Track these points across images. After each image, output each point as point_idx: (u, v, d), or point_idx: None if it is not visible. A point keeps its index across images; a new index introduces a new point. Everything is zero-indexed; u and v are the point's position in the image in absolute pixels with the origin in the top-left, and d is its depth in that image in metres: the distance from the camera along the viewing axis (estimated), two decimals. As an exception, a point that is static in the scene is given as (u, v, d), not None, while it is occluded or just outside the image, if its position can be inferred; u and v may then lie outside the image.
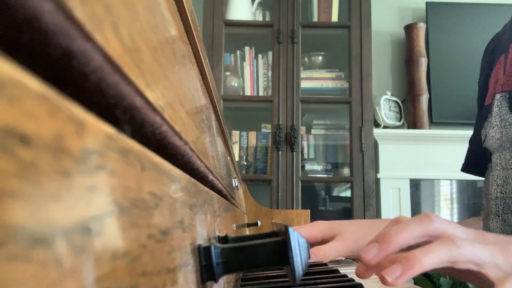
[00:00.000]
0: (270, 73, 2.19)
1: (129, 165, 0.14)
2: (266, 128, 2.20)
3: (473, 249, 0.39)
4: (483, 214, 0.76)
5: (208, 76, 0.41)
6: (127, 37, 0.14)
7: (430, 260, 0.37)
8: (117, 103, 0.14)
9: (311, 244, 0.75)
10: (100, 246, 0.11)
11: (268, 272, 0.56)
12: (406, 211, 2.17)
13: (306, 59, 2.31)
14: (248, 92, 2.22)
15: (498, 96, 0.72)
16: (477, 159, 0.84)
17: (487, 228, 0.73)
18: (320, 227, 0.75)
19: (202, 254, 0.24)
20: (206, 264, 0.24)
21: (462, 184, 2.34)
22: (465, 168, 0.89)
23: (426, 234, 0.41)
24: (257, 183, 2.19)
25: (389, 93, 2.38)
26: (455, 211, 2.36)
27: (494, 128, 0.71)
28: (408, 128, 2.32)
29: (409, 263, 0.36)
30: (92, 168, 0.11)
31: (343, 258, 0.85)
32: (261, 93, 2.22)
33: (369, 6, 2.19)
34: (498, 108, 0.71)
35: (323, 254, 0.69)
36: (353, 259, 0.82)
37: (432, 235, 0.41)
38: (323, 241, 0.74)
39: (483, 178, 0.80)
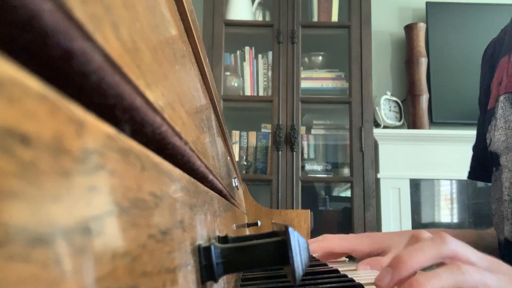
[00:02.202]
0: (270, 73, 2.19)
1: (129, 165, 0.14)
2: (266, 128, 2.20)
3: (480, 276, 0.38)
4: (496, 219, 0.75)
5: (208, 76, 0.41)
6: (127, 37, 0.14)
7: (433, 284, 0.37)
8: (117, 103, 0.14)
9: (359, 257, 0.75)
10: (100, 246, 0.11)
11: (268, 272, 0.56)
12: (406, 211, 2.17)
13: (306, 59, 2.31)
14: (248, 92, 2.22)
15: (501, 98, 0.72)
16: (482, 165, 0.84)
17: (501, 233, 0.72)
18: (369, 241, 0.75)
19: (202, 254, 0.24)
20: (206, 264, 0.24)
21: (462, 184, 2.34)
22: (471, 176, 0.89)
23: (438, 256, 0.41)
24: (257, 183, 2.19)
25: (389, 93, 2.38)
26: (455, 211, 2.36)
27: (500, 131, 0.71)
28: (408, 128, 2.32)
29: None
30: (92, 168, 0.11)
31: (346, 260, 0.85)
32: (261, 93, 2.22)
33: (369, 6, 2.19)
34: (502, 110, 0.71)
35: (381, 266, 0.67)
36: (350, 257, 0.83)
37: (445, 257, 0.41)
38: (369, 255, 0.73)
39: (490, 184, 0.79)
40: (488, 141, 0.76)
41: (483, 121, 0.82)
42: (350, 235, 0.78)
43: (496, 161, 0.73)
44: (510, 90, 0.70)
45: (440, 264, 0.41)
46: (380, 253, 0.73)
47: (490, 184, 0.78)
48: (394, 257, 0.41)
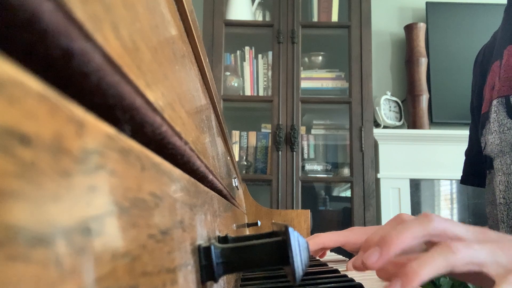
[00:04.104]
0: (270, 73, 2.19)
1: (129, 165, 0.14)
2: (266, 128, 2.20)
3: (471, 251, 0.39)
4: (490, 222, 0.76)
5: (208, 76, 0.41)
6: (127, 37, 0.14)
7: (428, 271, 0.37)
8: (117, 103, 0.14)
9: (353, 251, 0.76)
10: (100, 246, 0.11)
11: (268, 272, 0.56)
12: (406, 211, 2.17)
13: (306, 59, 2.31)
14: (248, 92, 2.22)
15: (494, 102, 0.72)
16: (476, 170, 0.84)
17: None
18: (360, 233, 0.76)
19: (202, 254, 0.24)
20: (206, 264, 0.24)
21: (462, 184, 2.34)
22: (465, 181, 0.89)
23: (426, 234, 0.41)
24: (257, 183, 2.19)
25: (389, 93, 2.38)
26: (455, 211, 2.36)
27: (493, 134, 0.71)
28: (408, 128, 2.32)
29: (407, 278, 0.37)
30: (92, 168, 0.11)
31: (346, 259, 0.85)
32: (261, 93, 2.22)
33: (369, 6, 2.19)
34: (496, 114, 0.71)
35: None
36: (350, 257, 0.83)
37: (433, 235, 0.41)
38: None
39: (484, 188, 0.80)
40: (482, 144, 0.77)
41: (476, 125, 0.83)
42: (342, 230, 0.79)
43: (490, 165, 0.73)
44: (503, 94, 0.70)
45: (428, 244, 0.41)
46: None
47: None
48: (381, 236, 0.41)
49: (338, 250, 0.90)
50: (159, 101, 0.18)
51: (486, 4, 2.44)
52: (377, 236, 0.43)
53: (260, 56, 2.25)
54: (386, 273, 0.42)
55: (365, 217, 2.01)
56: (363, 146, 2.06)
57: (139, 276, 0.14)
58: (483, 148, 0.77)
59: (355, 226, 0.81)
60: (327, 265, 0.65)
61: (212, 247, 0.25)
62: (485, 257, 0.39)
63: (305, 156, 2.20)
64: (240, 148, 2.18)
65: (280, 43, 2.14)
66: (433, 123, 2.34)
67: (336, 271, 0.56)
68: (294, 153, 2.06)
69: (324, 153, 2.26)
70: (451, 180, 2.31)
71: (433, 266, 0.37)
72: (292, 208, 2.01)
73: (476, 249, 0.39)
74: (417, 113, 2.29)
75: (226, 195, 0.54)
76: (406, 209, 2.17)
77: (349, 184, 2.12)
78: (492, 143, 0.71)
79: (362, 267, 0.42)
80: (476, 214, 2.32)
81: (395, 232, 0.41)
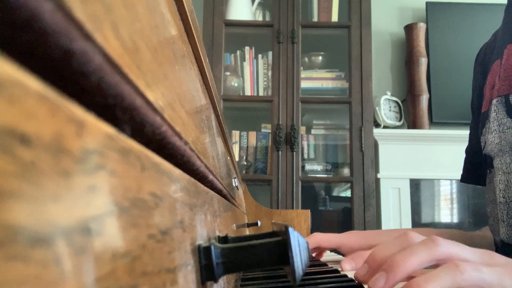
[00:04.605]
0: (270, 73, 2.19)
1: (129, 165, 0.14)
2: (266, 128, 2.20)
3: (478, 273, 0.38)
4: (491, 221, 0.76)
5: (208, 76, 0.41)
6: (127, 37, 0.14)
7: (433, 287, 0.37)
8: (117, 103, 0.14)
9: (345, 253, 0.76)
10: (100, 246, 0.11)
11: (268, 272, 0.56)
12: (406, 211, 2.17)
13: (306, 59, 2.31)
14: (248, 92, 2.22)
15: (494, 101, 0.72)
16: (476, 169, 0.84)
17: (497, 235, 0.73)
18: (356, 237, 0.76)
19: (202, 254, 0.24)
20: (206, 264, 0.24)
21: (462, 184, 2.33)
22: (465, 179, 0.89)
23: (433, 259, 0.41)
24: (257, 183, 2.19)
25: (389, 93, 2.38)
26: (455, 211, 2.36)
27: (493, 133, 0.71)
28: (408, 128, 2.32)
29: None
30: (92, 168, 0.11)
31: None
32: (261, 93, 2.22)
33: (369, 6, 2.19)
34: (496, 113, 0.71)
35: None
36: None
37: (439, 259, 0.41)
38: (356, 251, 0.73)
39: (482, 186, 0.80)
40: (482, 143, 0.77)
41: (476, 124, 0.83)
42: (340, 233, 0.80)
43: (490, 164, 0.73)
44: (503, 93, 0.70)
45: (435, 265, 0.41)
46: (368, 249, 0.73)
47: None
48: (387, 260, 0.41)
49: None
50: (159, 101, 0.18)
51: (486, 4, 2.44)
52: (382, 252, 0.43)
53: (260, 56, 2.25)
54: None
55: (365, 217, 2.01)
56: (363, 146, 2.06)
57: (139, 276, 0.14)
58: (482, 147, 0.77)
59: (354, 230, 0.82)
60: (327, 265, 0.65)
61: (212, 247, 0.25)
62: (491, 280, 0.39)
63: (305, 156, 2.20)
64: (240, 148, 2.18)
65: (280, 43, 2.14)
66: (433, 123, 2.34)
67: (336, 271, 0.56)
68: (294, 153, 2.06)
69: (324, 153, 2.26)
70: (451, 180, 2.31)
71: (439, 283, 0.37)
72: (292, 208, 2.01)
73: (483, 272, 0.39)
74: (417, 113, 2.29)
75: (226, 195, 0.54)
76: (406, 209, 2.17)
77: (349, 184, 2.12)
78: (492, 142, 0.71)
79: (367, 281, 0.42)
80: (476, 214, 2.32)
81: (402, 257, 0.41)
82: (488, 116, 0.74)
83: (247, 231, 0.94)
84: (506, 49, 0.72)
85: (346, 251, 0.77)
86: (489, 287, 0.39)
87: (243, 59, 2.26)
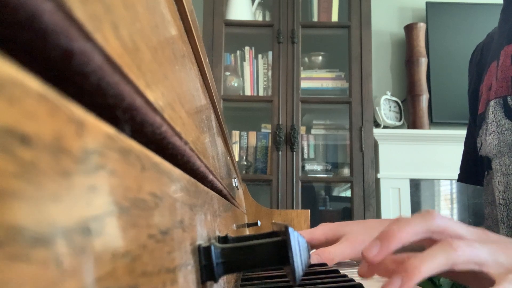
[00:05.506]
0: (270, 73, 2.19)
1: (129, 165, 0.14)
2: (266, 128, 2.20)
3: (472, 249, 0.39)
4: (489, 222, 0.76)
5: (208, 76, 0.41)
6: (127, 37, 0.14)
7: (428, 267, 0.37)
8: (117, 103, 0.14)
9: (315, 247, 0.74)
10: (100, 246, 0.11)
11: (268, 272, 0.56)
12: (406, 211, 2.17)
13: (306, 59, 2.31)
14: (248, 92, 2.22)
15: (492, 102, 0.72)
16: (473, 168, 0.84)
17: None
18: (324, 229, 0.73)
19: (202, 254, 0.24)
20: (206, 264, 0.24)
21: (462, 184, 2.34)
22: (462, 179, 0.89)
23: (427, 230, 0.41)
24: (257, 183, 2.19)
25: (389, 93, 2.38)
26: (455, 211, 2.36)
27: (492, 135, 0.71)
28: (408, 128, 2.32)
29: (408, 274, 0.36)
30: (92, 168, 0.11)
31: (347, 261, 0.85)
32: (261, 93, 2.22)
33: (369, 6, 2.19)
34: (494, 115, 0.71)
35: (328, 255, 0.67)
36: (357, 261, 0.82)
37: (434, 231, 0.41)
38: (326, 244, 0.71)
39: (481, 187, 0.80)
40: (478, 145, 0.77)
41: (473, 125, 0.83)
42: (324, 224, 0.76)
43: (488, 165, 0.73)
44: (501, 95, 0.70)
45: (429, 242, 0.41)
46: (336, 241, 0.71)
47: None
48: (382, 230, 0.41)
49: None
50: (159, 101, 0.18)
51: (486, 4, 2.44)
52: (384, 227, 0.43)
53: (260, 56, 2.25)
54: (386, 270, 0.42)
55: (365, 217, 2.01)
56: (363, 146, 2.06)
57: (139, 276, 0.14)
58: (478, 148, 0.76)
59: (325, 222, 0.77)
60: (327, 265, 0.65)
61: (212, 247, 0.25)
62: (486, 256, 0.39)
63: (305, 156, 2.20)
64: (240, 148, 2.18)
65: (280, 43, 2.14)
66: (433, 123, 2.34)
67: (336, 271, 0.56)
68: (294, 153, 2.06)
69: (324, 153, 2.26)
70: (451, 180, 2.31)
71: (434, 262, 0.37)
72: (292, 208, 2.01)
73: (477, 248, 0.39)
74: (417, 113, 2.29)
75: (226, 195, 0.54)
76: (406, 209, 2.17)
77: (349, 184, 2.12)
78: (490, 144, 0.71)
79: (368, 274, 0.42)
80: (476, 214, 2.32)
81: (397, 226, 0.40)
82: (485, 117, 0.74)
83: (247, 231, 0.94)
84: (502, 50, 0.72)
85: (317, 245, 0.73)
86: (484, 263, 0.39)
87: (243, 59, 2.26)
